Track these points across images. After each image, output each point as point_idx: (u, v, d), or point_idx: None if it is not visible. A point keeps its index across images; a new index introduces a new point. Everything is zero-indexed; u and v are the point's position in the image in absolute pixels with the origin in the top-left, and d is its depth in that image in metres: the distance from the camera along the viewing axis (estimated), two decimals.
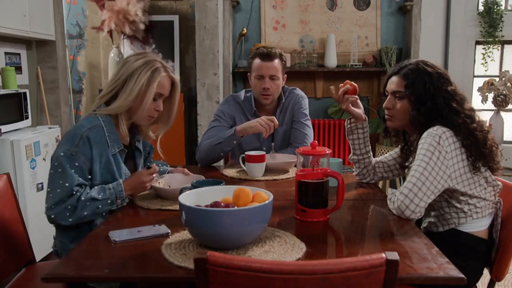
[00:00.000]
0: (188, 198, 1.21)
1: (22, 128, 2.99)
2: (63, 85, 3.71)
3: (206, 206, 1.18)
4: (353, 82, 1.77)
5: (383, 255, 0.86)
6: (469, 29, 4.02)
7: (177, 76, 4.09)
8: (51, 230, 1.63)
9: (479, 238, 1.52)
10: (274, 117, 2.06)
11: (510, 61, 4.13)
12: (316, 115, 4.16)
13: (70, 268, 1.10)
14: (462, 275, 1.02)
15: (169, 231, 1.27)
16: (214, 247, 1.13)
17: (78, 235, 1.53)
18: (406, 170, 1.73)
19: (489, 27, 3.93)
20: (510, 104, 3.57)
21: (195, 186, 1.48)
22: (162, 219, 1.39)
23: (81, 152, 1.52)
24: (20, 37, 3.21)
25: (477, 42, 4.07)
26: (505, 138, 3.73)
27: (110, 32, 3.97)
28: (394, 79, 1.62)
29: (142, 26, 3.89)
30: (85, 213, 1.50)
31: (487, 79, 3.68)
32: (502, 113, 3.65)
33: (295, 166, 1.94)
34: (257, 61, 2.24)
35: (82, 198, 1.49)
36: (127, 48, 4.09)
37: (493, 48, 3.98)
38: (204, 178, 1.70)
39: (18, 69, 3.32)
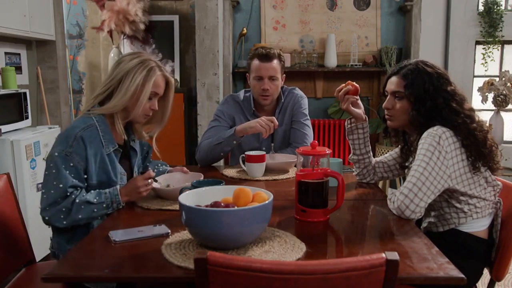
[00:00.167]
0: (188, 198, 1.21)
1: (22, 128, 2.99)
2: (63, 85, 3.71)
3: (206, 206, 1.18)
4: (354, 83, 1.77)
5: (383, 255, 0.86)
6: (469, 29, 4.02)
7: (177, 76, 4.12)
8: (51, 230, 1.63)
9: (479, 238, 1.52)
10: (274, 117, 2.06)
11: (510, 61, 4.12)
12: (316, 115, 4.16)
13: (70, 268, 1.10)
14: (462, 275, 1.02)
15: (169, 231, 1.27)
16: (214, 247, 1.13)
17: (74, 236, 1.53)
18: (406, 170, 1.73)
19: (489, 27, 3.93)
20: (510, 104, 3.57)
21: (195, 186, 1.48)
22: (162, 219, 1.39)
23: (76, 152, 1.51)
24: (20, 37, 3.22)
25: (477, 42, 4.07)
26: (505, 138, 3.73)
27: (110, 32, 3.97)
28: (393, 79, 1.62)
29: (142, 26, 3.89)
30: (80, 216, 1.48)
31: (487, 79, 3.68)
32: (502, 113, 3.65)
33: (295, 166, 1.93)
34: (255, 62, 2.23)
35: (77, 201, 1.48)
36: (127, 48, 4.09)
37: (493, 48, 3.98)
38: (202, 175, 1.70)
39: (18, 69, 3.32)
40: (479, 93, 3.67)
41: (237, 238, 1.13)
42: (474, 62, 4.10)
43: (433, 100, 1.52)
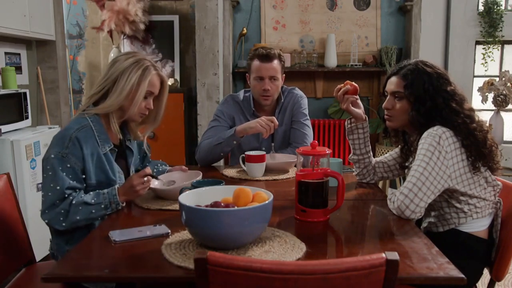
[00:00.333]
0: (188, 198, 1.21)
1: (22, 128, 2.99)
2: (63, 85, 3.71)
3: (206, 206, 1.18)
4: (353, 83, 1.77)
5: (383, 255, 0.86)
6: (469, 29, 4.02)
7: (177, 76, 4.12)
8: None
9: (479, 238, 1.52)
10: (274, 117, 2.06)
11: (510, 61, 4.12)
12: (316, 115, 4.16)
13: (70, 268, 1.10)
14: (462, 275, 1.02)
15: (169, 231, 1.27)
16: (214, 247, 1.13)
17: (73, 237, 1.53)
18: (406, 170, 1.73)
19: (489, 27, 3.93)
20: (510, 104, 3.57)
21: (195, 186, 1.48)
22: (162, 219, 1.39)
23: (72, 153, 1.50)
24: (20, 37, 3.22)
25: (477, 42, 4.07)
26: (505, 138, 3.73)
27: (110, 32, 3.97)
28: (393, 79, 1.62)
29: (142, 26, 3.89)
30: (78, 217, 1.47)
31: (487, 79, 3.68)
32: (502, 113, 3.65)
33: (295, 166, 1.94)
34: (256, 62, 2.23)
35: (74, 202, 1.47)
36: (127, 48, 4.09)
37: (493, 48, 3.98)
38: (201, 174, 1.70)
39: (18, 69, 3.32)
40: (479, 93, 3.67)
41: (237, 238, 1.13)
42: (474, 62, 4.10)
43: (433, 100, 1.52)
